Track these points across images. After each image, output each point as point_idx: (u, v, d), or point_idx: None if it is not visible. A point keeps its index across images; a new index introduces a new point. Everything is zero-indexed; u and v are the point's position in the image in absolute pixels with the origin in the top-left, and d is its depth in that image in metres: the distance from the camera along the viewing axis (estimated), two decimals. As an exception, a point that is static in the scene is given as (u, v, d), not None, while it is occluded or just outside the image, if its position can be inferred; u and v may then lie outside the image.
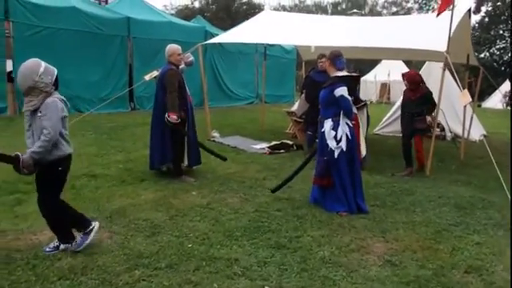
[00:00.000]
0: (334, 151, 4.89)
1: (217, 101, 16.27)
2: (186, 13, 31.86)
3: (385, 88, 28.83)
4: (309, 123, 8.61)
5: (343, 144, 4.86)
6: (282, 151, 8.49)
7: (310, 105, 8.22)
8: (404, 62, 23.38)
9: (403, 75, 7.32)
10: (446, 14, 6.92)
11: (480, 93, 13.71)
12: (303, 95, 10.33)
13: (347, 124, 4.92)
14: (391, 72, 24.67)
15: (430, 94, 7.13)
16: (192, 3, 36.19)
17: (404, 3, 60.91)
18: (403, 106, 7.42)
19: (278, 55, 19.32)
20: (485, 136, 12.07)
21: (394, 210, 5.17)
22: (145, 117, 10.24)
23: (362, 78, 29.61)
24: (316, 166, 5.18)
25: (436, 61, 10.37)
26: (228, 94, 17.77)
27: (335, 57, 5.01)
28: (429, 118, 7.18)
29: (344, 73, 5.01)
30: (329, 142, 4.90)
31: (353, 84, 5.17)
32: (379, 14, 54.83)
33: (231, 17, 33.81)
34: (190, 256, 3.56)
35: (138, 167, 6.51)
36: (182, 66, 6.86)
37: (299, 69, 19.44)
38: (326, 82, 5.06)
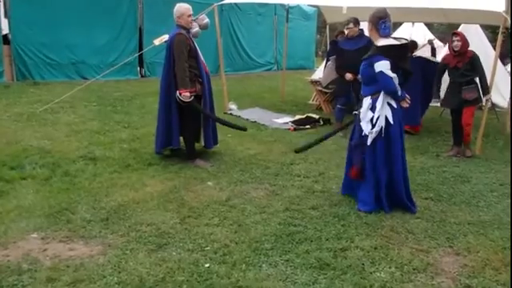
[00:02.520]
0: (367, 136, 3.91)
1: (233, 67, 15.28)
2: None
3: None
4: (337, 95, 7.67)
5: (378, 128, 3.86)
6: (307, 127, 7.54)
7: (339, 75, 7.24)
8: (425, 24, 21.98)
9: (455, 34, 6.12)
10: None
11: None
12: (330, 63, 9.29)
13: (389, 105, 3.90)
14: (412, 34, 23.25)
15: (478, 58, 6.05)
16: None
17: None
18: (448, 75, 6.35)
19: (297, 18, 18.06)
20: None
21: (453, 205, 4.25)
22: (155, 85, 9.18)
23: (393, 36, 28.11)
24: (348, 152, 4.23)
25: (474, 23, 9.36)
26: (245, 59, 16.67)
27: (379, 19, 3.87)
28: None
29: (389, 40, 3.89)
30: (363, 124, 3.92)
31: (403, 54, 4.04)
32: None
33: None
34: (207, 284, 2.68)
35: (146, 147, 5.61)
36: (197, 29, 5.88)
37: (322, 33, 18.24)
38: (370, 51, 3.99)
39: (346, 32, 7.17)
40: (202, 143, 5.32)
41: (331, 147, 6.22)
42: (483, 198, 4.47)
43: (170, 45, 4.95)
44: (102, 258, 2.93)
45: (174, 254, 3.02)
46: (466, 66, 6.01)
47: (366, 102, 3.95)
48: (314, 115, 8.13)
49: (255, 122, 7.72)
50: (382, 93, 3.88)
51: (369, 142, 3.91)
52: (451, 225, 3.78)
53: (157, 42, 6.56)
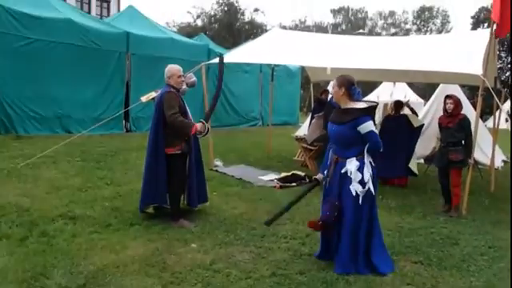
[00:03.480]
0: (358, 196, 3.88)
1: (220, 122, 15.37)
2: (187, 30, 31.14)
3: (387, 108, 27.88)
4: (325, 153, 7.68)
5: (370, 187, 3.89)
6: (293, 184, 7.48)
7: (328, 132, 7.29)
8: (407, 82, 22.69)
9: (449, 97, 6.38)
10: (472, 33, 6.20)
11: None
12: (314, 120, 9.44)
13: (371, 163, 3.96)
14: (394, 92, 23.87)
15: (468, 121, 6.24)
16: (194, 21, 35.56)
17: (403, 25, 61.19)
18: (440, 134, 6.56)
19: (282, 75, 18.50)
20: (505, 162, 11.28)
21: (443, 270, 4.14)
22: (140, 140, 9.28)
23: (364, 99, 28.74)
24: (323, 210, 4.12)
25: (453, 83, 9.68)
26: (232, 115, 16.90)
27: (352, 84, 3.97)
28: (433, 144, 6.43)
29: (363, 104, 3.97)
30: (354, 185, 3.89)
31: (373, 115, 4.16)
32: (378, 34, 54.83)
33: (233, 36, 33.15)
34: None
35: (128, 206, 5.46)
36: (184, 87, 5.97)
37: (306, 89, 18.61)
38: (343, 115, 3.98)
39: None
40: (185, 201, 5.21)
41: (318, 206, 6.11)
42: (473, 262, 4.38)
43: (159, 102, 4.96)
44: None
45: (155, 325, 2.85)
46: (455, 126, 6.22)
47: (353, 163, 3.92)
48: (300, 172, 8.08)
49: (241, 179, 7.64)
50: (365, 153, 3.91)
51: (360, 201, 3.88)
52: (444, 292, 3.68)
53: (144, 99, 6.55)
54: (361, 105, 3.93)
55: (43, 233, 4.40)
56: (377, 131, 3.95)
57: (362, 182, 3.87)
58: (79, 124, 11.14)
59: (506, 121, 21.70)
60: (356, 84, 4.02)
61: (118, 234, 4.53)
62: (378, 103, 4.27)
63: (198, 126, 4.86)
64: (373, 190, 3.91)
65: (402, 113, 8.33)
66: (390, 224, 5.51)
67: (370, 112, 3.91)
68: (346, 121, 3.90)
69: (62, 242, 4.23)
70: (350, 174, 3.90)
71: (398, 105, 8.38)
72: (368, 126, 3.83)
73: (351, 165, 3.92)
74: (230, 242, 4.50)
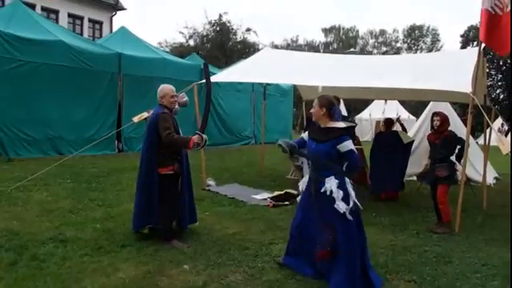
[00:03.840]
0: (344, 214, 3.91)
1: (213, 141, 15.33)
2: (180, 50, 31.29)
3: (379, 126, 28.07)
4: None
5: (356, 201, 3.96)
6: (286, 203, 7.46)
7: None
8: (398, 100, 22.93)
9: (436, 114, 6.50)
10: (462, 52, 6.31)
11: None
12: (307, 138, 9.45)
13: (350, 182, 4.04)
14: (386, 110, 24.07)
15: (454, 137, 6.35)
16: (187, 41, 35.79)
17: (393, 43, 62.02)
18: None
19: (275, 94, 18.62)
20: (497, 179, 11.33)
21: (437, 289, 4.13)
22: (132, 160, 9.23)
23: (357, 117, 29.10)
24: (315, 237, 4.15)
25: (443, 101, 9.79)
26: (224, 134, 16.90)
27: (332, 105, 4.09)
28: (425, 161, 6.53)
29: (343, 124, 4.08)
30: (338, 203, 3.91)
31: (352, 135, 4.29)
32: (370, 53, 55.44)
33: (226, 55, 33.38)
34: None
35: (120, 227, 5.41)
36: (176, 106, 6.02)
37: (298, 107, 18.72)
38: (323, 133, 4.08)
39: None
40: (175, 222, 5.17)
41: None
42: (467, 281, 4.37)
43: (152, 122, 4.96)
44: None
45: None
46: (441, 143, 6.31)
47: (333, 181, 3.96)
48: (293, 191, 8.06)
49: (234, 198, 7.61)
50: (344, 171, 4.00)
51: (349, 217, 3.90)
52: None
53: (136, 119, 6.58)
54: (341, 124, 4.03)
55: (33, 257, 4.34)
56: (356, 151, 4.03)
57: (346, 199, 3.92)
58: (71, 145, 11.08)
59: (507, 134, 21.81)
60: (336, 105, 4.12)
61: (109, 257, 4.47)
62: (356, 124, 4.44)
63: (195, 138, 4.83)
64: (359, 205, 3.98)
65: (393, 129, 8.58)
66: (383, 242, 5.50)
67: (349, 132, 4.02)
68: (327, 139, 3.99)
69: (53, 265, 4.17)
70: (331, 192, 3.93)
71: (389, 122, 8.63)
72: (348, 145, 3.92)
73: (331, 183, 3.96)
74: (223, 263, 4.46)
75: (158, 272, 4.14)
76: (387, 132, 8.52)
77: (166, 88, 5.12)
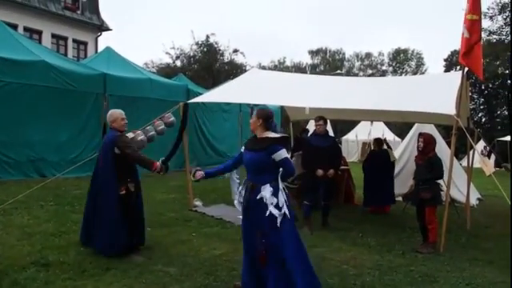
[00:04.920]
0: (276, 219, 3.99)
1: (199, 161, 15.22)
2: (167, 71, 31.25)
3: (365, 147, 28.30)
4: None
5: (286, 211, 4.03)
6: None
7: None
8: (384, 122, 23.18)
9: (420, 135, 6.62)
10: (446, 75, 6.47)
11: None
12: (294, 158, 9.49)
13: (284, 190, 4.14)
14: (372, 131, 24.33)
15: (437, 160, 6.36)
16: (173, 62, 35.84)
17: (379, 66, 63.03)
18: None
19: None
20: (480, 200, 11.47)
21: (423, 309, 4.12)
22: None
23: (344, 138, 29.31)
24: (250, 243, 4.22)
25: (427, 123, 9.93)
26: (211, 154, 16.77)
27: (269, 118, 4.29)
28: (410, 182, 6.78)
29: (275, 134, 4.26)
30: (270, 209, 4.01)
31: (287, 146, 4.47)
32: (356, 75, 56.17)
33: (213, 76, 33.47)
34: None
35: (104, 250, 5.31)
36: (162, 126, 6.10)
37: (285, 128, 18.83)
38: (258, 143, 4.22)
39: (316, 128, 7.46)
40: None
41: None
42: (452, 301, 4.38)
43: (107, 145, 5.20)
44: None
45: None
46: (424, 164, 6.36)
47: (267, 189, 4.04)
48: (280, 212, 8.04)
49: (221, 218, 7.54)
50: (279, 179, 4.10)
51: (278, 223, 3.98)
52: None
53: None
54: (274, 135, 4.18)
55: (14, 282, 4.23)
56: (290, 158, 4.24)
57: (278, 207, 4.00)
58: (54, 167, 10.82)
59: (489, 155, 22.12)
60: (273, 118, 4.33)
61: (93, 280, 4.38)
62: (288, 136, 4.60)
63: (158, 164, 5.03)
64: (289, 215, 4.03)
65: (383, 148, 9.51)
66: (369, 262, 5.52)
67: (282, 142, 4.17)
68: (260, 148, 4.11)
69: (34, 290, 4.07)
70: (266, 199, 4.02)
71: (380, 141, 9.62)
72: (282, 154, 4.07)
73: (265, 191, 4.05)
74: (210, 285, 4.41)
75: (143, 295, 4.06)
76: (380, 150, 9.42)
77: (115, 112, 5.36)
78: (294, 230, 4.10)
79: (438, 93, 6.88)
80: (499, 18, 24.72)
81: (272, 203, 4.00)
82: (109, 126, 5.33)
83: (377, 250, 6.15)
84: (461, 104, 6.40)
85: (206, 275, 4.70)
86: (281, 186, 4.09)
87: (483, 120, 38.64)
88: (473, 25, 6.10)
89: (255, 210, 4.10)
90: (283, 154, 4.06)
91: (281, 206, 4.00)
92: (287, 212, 4.01)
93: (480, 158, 6.75)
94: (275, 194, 4.02)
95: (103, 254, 5.07)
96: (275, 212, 3.97)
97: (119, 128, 5.30)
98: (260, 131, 4.24)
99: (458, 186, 10.01)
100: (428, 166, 6.30)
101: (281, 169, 4.09)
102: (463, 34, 6.14)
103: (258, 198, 4.06)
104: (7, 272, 4.46)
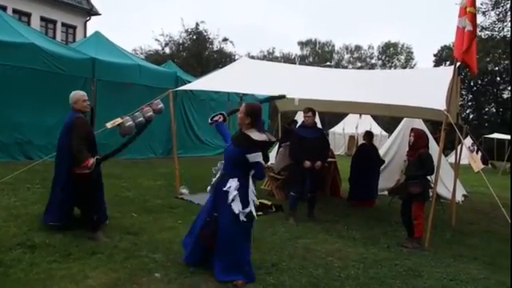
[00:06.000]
0: (238, 215, 4.19)
1: (186, 150, 15.19)
2: (156, 58, 30.98)
3: (353, 140, 28.42)
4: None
5: (252, 209, 4.28)
6: (260, 213, 7.41)
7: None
8: (372, 116, 23.32)
9: (412, 130, 6.64)
10: (435, 70, 6.50)
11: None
12: (282, 149, 9.53)
13: (252, 190, 4.35)
14: (359, 124, 24.42)
15: (428, 156, 6.37)
16: (162, 49, 35.51)
17: (368, 59, 63.26)
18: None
19: (250, 104, 18.62)
20: (466, 196, 11.61)
21: (407, 302, 4.20)
22: (104, 166, 9.07)
23: (331, 130, 29.39)
24: (202, 224, 4.49)
25: (416, 117, 10.02)
26: (198, 143, 16.75)
27: (258, 115, 4.38)
28: (397, 177, 6.74)
29: (261, 136, 4.27)
30: (235, 203, 4.20)
31: (266, 148, 4.50)
32: (345, 68, 56.36)
33: (202, 64, 33.26)
34: None
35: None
36: (151, 113, 6.08)
37: (274, 119, 18.86)
38: (239, 138, 4.32)
39: (305, 119, 7.47)
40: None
41: (284, 236, 6.17)
42: (436, 295, 4.46)
43: (67, 127, 5.26)
44: None
45: None
46: (414, 160, 6.37)
47: (234, 182, 4.24)
48: (267, 201, 8.10)
49: (207, 207, 7.55)
50: (250, 178, 4.31)
51: (242, 218, 4.19)
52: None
53: (109, 124, 6.51)
54: (257, 136, 4.21)
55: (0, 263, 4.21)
56: (263, 162, 4.30)
57: (244, 202, 4.20)
58: (41, 150, 10.74)
59: (477, 152, 22.40)
60: (261, 115, 4.41)
61: (78, 264, 4.37)
62: (274, 140, 4.67)
63: (91, 161, 5.06)
64: (255, 214, 4.29)
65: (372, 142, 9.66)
66: (354, 255, 5.58)
67: (261, 146, 4.25)
68: (240, 145, 4.24)
69: (20, 272, 4.05)
70: (229, 192, 4.22)
71: (371, 134, 9.71)
72: (256, 157, 4.20)
73: (233, 183, 4.23)
74: (196, 272, 4.42)
75: (129, 280, 4.07)
76: (369, 144, 9.49)
77: (77, 94, 5.42)
78: (247, 227, 4.33)
79: (427, 87, 6.92)
80: (492, 13, 24.75)
81: (238, 198, 4.20)
82: (71, 107, 5.35)
83: (362, 242, 6.22)
84: (451, 99, 6.45)
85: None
86: (251, 186, 4.31)
87: (471, 117, 39.06)
88: (472, 18, 6.09)
89: (217, 197, 4.36)
90: (257, 157, 4.18)
91: (247, 202, 4.22)
92: (253, 211, 4.24)
93: (469, 154, 6.80)
94: (241, 189, 4.21)
95: (46, 222, 5.29)
96: (237, 207, 4.17)
97: (81, 109, 5.36)
98: (246, 128, 4.32)
99: (444, 182, 10.14)
100: (418, 163, 6.28)
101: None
102: (464, 28, 6.08)
103: (224, 188, 4.25)
104: (-7, 253, 4.44)
